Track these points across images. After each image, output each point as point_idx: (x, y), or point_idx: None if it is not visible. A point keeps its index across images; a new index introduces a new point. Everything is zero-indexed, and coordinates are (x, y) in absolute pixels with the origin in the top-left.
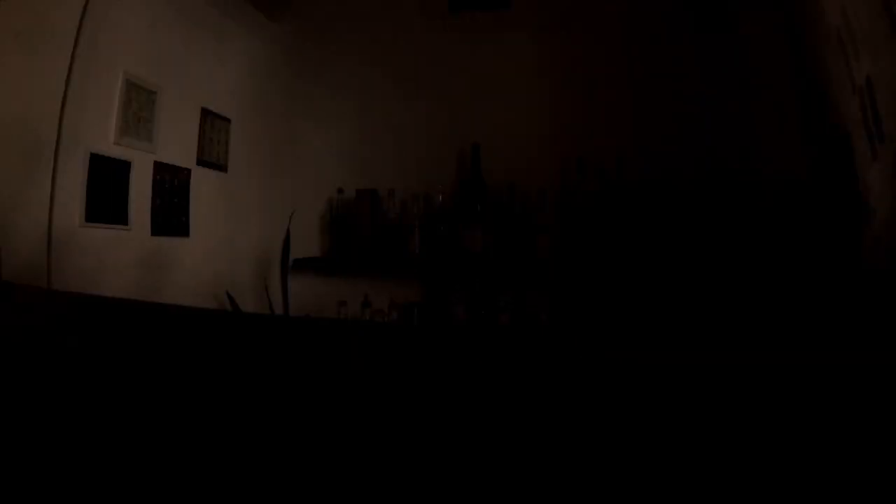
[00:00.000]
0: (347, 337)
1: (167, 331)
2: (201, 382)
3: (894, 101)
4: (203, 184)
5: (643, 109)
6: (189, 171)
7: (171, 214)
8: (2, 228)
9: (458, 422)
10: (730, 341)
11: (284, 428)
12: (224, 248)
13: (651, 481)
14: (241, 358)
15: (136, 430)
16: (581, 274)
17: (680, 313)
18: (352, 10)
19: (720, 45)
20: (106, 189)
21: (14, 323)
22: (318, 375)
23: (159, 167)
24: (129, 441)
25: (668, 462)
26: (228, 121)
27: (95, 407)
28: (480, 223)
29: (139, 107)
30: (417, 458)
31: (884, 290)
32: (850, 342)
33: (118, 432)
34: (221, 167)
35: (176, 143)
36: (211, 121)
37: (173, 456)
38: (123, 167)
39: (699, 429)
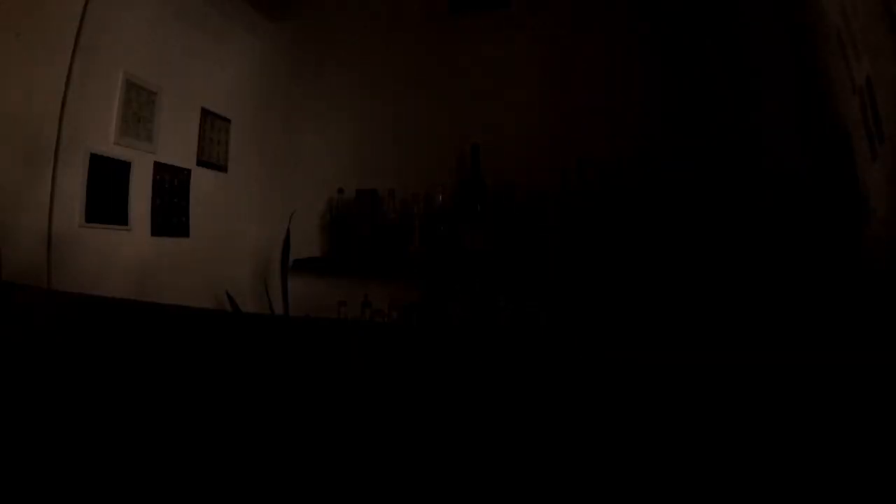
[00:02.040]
0: (347, 337)
1: (166, 331)
2: (199, 381)
3: (894, 101)
4: (203, 184)
5: (643, 109)
6: (189, 171)
7: (171, 215)
8: (2, 228)
9: (460, 421)
10: (730, 341)
11: (283, 425)
12: (224, 249)
13: (651, 478)
14: (238, 357)
15: (137, 428)
16: (580, 274)
17: (681, 313)
18: (352, 11)
19: (720, 46)
20: (106, 189)
21: (15, 323)
22: (317, 375)
23: (159, 167)
24: (129, 439)
25: (667, 459)
26: (228, 121)
27: (95, 405)
28: (480, 223)
29: (139, 107)
30: (421, 457)
31: (884, 289)
32: (849, 342)
33: (119, 430)
34: (221, 167)
35: (176, 143)
36: (211, 121)
37: (174, 453)
38: (123, 167)
39: (698, 427)
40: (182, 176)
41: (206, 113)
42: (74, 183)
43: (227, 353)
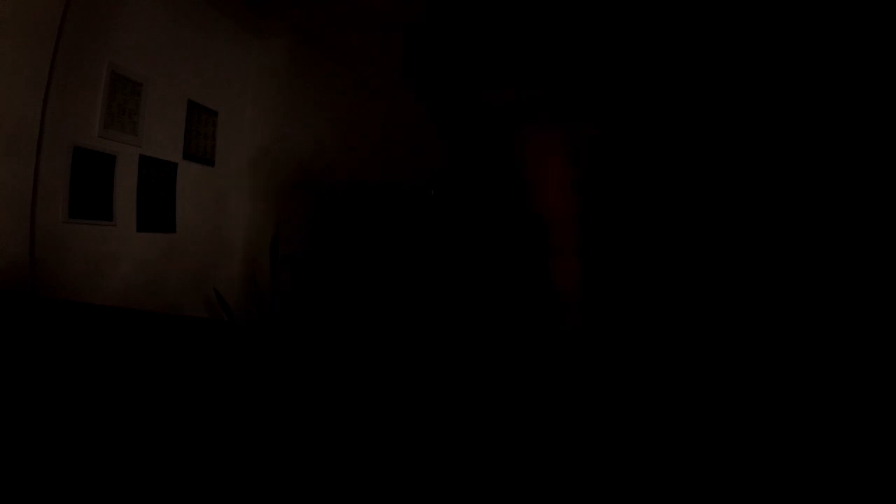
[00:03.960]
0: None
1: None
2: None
3: None
4: (189, 178)
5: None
6: (175, 164)
7: (157, 210)
8: None
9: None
10: None
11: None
12: (211, 244)
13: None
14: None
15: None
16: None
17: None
18: (342, 13)
19: None
20: (90, 184)
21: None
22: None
23: (145, 161)
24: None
25: None
26: (216, 113)
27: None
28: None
29: (124, 99)
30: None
31: None
32: None
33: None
34: (209, 161)
35: (162, 136)
36: (198, 113)
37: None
38: (108, 161)
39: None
40: (168, 169)
41: (193, 105)
42: (58, 177)
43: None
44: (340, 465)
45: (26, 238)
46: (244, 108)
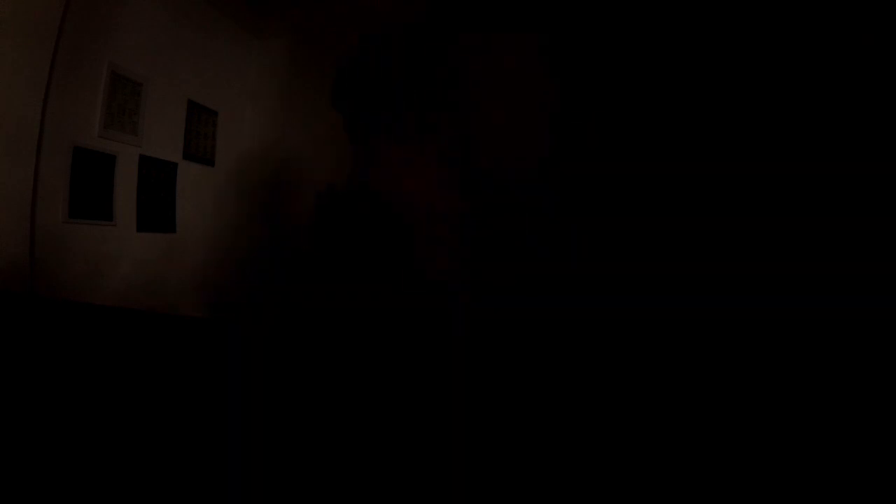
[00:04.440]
0: None
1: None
2: None
3: None
4: (190, 178)
5: None
6: (175, 164)
7: (158, 210)
8: None
9: None
10: None
11: None
12: (212, 244)
13: None
14: None
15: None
16: None
17: None
18: (342, 13)
19: None
20: (90, 184)
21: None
22: None
23: (145, 161)
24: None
25: None
26: (216, 113)
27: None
28: None
29: (124, 99)
30: None
31: None
32: None
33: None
34: (209, 161)
35: (162, 136)
36: (198, 113)
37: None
38: (108, 161)
39: None
40: (168, 169)
41: (193, 105)
42: (58, 177)
43: None
44: (342, 462)
45: (26, 238)
46: (244, 108)
